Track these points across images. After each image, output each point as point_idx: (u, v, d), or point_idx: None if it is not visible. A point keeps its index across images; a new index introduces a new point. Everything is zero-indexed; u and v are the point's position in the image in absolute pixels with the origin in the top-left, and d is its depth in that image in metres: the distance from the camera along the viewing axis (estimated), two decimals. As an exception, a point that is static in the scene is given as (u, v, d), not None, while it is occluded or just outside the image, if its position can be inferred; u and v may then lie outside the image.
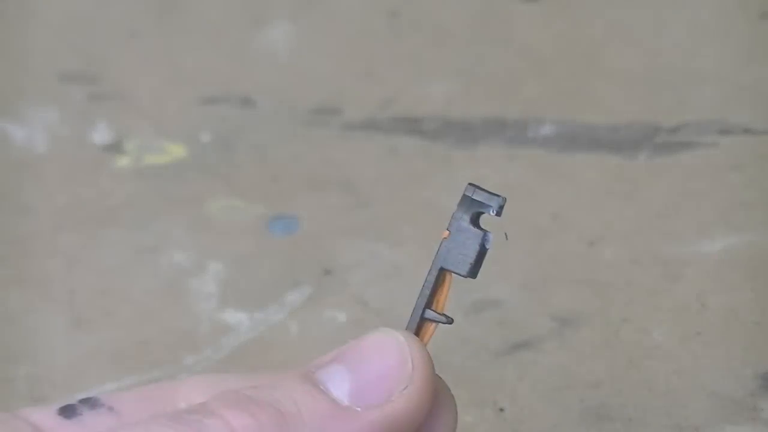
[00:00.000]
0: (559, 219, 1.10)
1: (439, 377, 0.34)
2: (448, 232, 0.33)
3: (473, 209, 0.34)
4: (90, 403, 0.32)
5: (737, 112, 1.16)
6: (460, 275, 0.34)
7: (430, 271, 0.39)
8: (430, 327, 0.43)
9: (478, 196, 0.34)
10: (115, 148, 1.16)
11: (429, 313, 0.41)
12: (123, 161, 1.15)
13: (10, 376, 1.01)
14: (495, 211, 0.34)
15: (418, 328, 0.43)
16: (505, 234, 0.35)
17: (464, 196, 0.34)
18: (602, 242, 1.09)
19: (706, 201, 1.12)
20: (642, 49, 1.23)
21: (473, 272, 0.34)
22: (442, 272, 0.36)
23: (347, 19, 1.26)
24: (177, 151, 1.16)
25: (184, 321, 1.06)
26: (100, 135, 1.17)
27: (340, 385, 0.34)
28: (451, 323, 0.42)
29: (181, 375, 1.02)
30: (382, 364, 0.33)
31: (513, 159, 1.15)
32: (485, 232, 0.34)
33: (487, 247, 0.34)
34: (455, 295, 1.04)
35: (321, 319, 1.04)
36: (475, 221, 0.34)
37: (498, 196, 0.34)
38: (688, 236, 1.09)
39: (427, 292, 0.40)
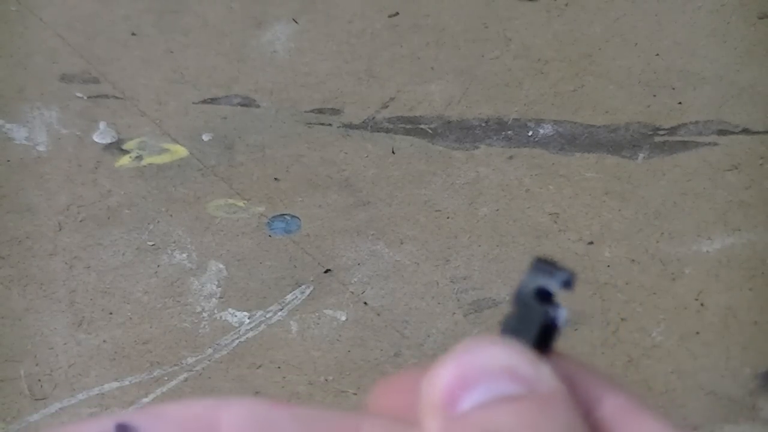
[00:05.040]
0: (558, 219, 1.10)
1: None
2: (511, 307, 0.31)
3: (536, 284, 0.31)
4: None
5: (736, 112, 1.17)
6: None
7: None
8: None
9: (543, 271, 0.32)
10: (115, 147, 1.16)
11: None
12: (124, 161, 1.15)
13: (11, 375, 1.01)
14: (559, 287, 0.32)
15: None
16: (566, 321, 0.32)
17: (528, 271, 0.31)
18: (601, 242, 1.09)
19: (705, 201, 1.12)
20: (641, 50, 1.23)
21: (534, 341, 0.32)
22: None
23: (347, 19, 1.27)
24: (178, 150, 1.16)
25: (185, 320, 1.06)
26: (101, 135, 1.17)
27: None
28: None
29: (182, 375, 1.02)
30: None
31: (513, 159, 1.15)
32: (546, 310, 0.31)
33: (555, 325, 0.31)
34: (455, 294, 1.05)
35: (321, 318, 1.05)
36: (540, 297, 0.31)
37: (564, 270, 0.32)
38: (687, 236, 1.09)
39: None
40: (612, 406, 0.31)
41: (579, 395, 0.31)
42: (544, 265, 0.32)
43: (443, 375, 0.30)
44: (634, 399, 0.31)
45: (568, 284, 0.32)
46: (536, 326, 0.32)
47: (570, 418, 0.30)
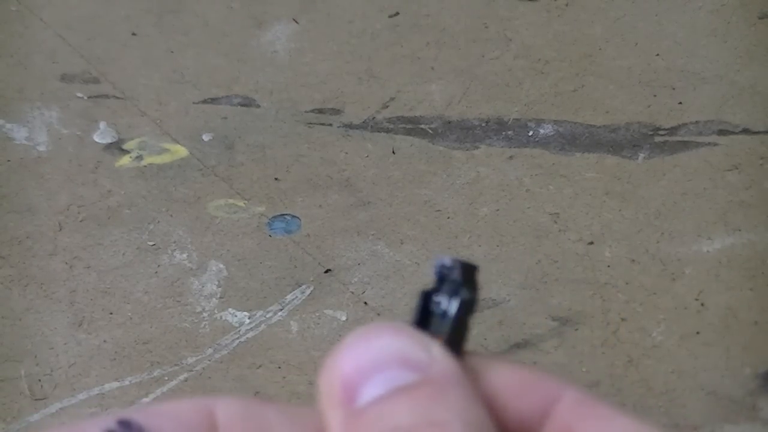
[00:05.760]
0: (558, 219, 1.10)
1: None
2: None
3: (440, 275, 0.32)
4: (132, 429, 0.31)
5: (736, 112, 1.17)
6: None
7: None
8: None
9: (447, 265, 0.32)
10: (116, 147, 1.16)
11: None
12: (124, 161, 1.15)
13: (11, 375, 1.01)
14: (435, 271, 0.33)
15: None
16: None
17: (436, 269, 0.32)
18: (602, 242, 1.09)
19: (705, 201, 1.12)
20: (642, 50, 1.23)
21: (414, 321, 0.32)
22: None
23: (347, 19, 1.27)
24: (178, 150, 1.16)
25: (185, 320, 1.06)
26: (101, 135, 1.17)
27: None
28: None
29: (182, 375, 1.02)
30: None
31: (513, 159, 1.15)
32: (434, 293, 0.32)
33: (445, 312, 0.32)
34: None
35: (321, 318, 1.05)
36: (447, 288, 0.32)
37: (464, 262, 0.32)
38: (687, 236, 1.09)
39: None
40: (569, 401, 0.32)
41: (536, 396, 0.32)
42: (449, 260, 0.33)
43: (339, 368, 0.31)
44: (588, 394, 0.32)
45: (445, 267, 0.32)
46: (419, 310, 0.32)
47: (464, 401, 0.30)
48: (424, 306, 0.32)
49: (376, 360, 0.31)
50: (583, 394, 0.32)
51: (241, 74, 1.22)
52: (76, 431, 0.31)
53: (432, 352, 0.31)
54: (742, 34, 1.23)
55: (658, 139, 1.15)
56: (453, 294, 0.33)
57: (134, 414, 0.31)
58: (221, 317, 1.03)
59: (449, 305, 0.32)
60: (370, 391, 0.30)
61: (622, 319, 1.02)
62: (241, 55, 1.24)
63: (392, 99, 1.19)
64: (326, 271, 1.06)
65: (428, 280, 1.03)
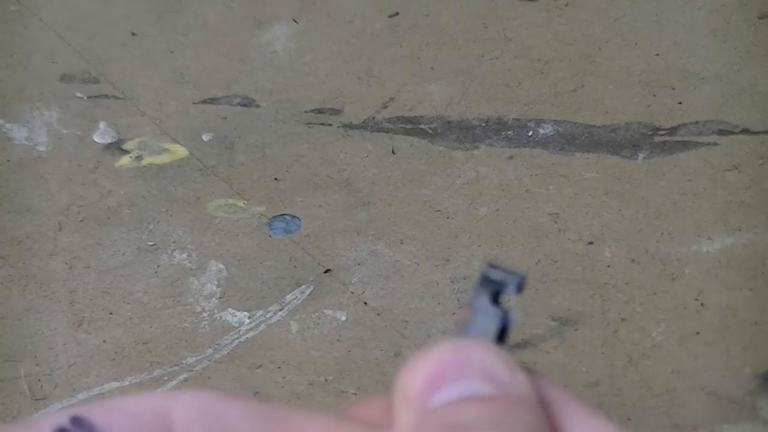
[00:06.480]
0: (558, 219, 1.10)
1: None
2: (466, 310, 0.32)
3: (491, 288, 0.32)
4: (84, 426, 0.31)
5: (736, 112, 1.17)
6: None
7: None
8: None
9: (496, 275, 0.33)
10: (115, 147, 1.16)
11: None
12: (124, 161, 1.15)
13: (11, 375, 1.01)
14: (514, 290, 0.34)
15: None
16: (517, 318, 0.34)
17: (482, 275, 0.32)
18: (601, 242, 1.09)
19: (705, 201, 1.12)
20: (641, 50, 1.23)
21: (495, 339, 0.33)
22: None
23: (347, 19, 1.27)
24: (178, 150, 1.16)
25: (185, 320, 1.06)
26: (101, 135, 1.17)
27: None
28: None
29: (182, 375, 1.02)
30: None
31: (513, 159, 1.15)
32: (505, 311, 0.33)
33: (509, 326, 0.33)
34: (455, 294, 1.05)
35: (321, 318, 1.05)
36: (494, 300, 0.33)
37: (516, 274, 0.33)
38: (687, 236, 1.09)
39: None
40: (548, 400, 0.32)
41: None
42: (495, 269, 0.33)
43: (420, 370, 0.31)
44: (568, 393, 0.33)
45: (521, 288, 0.33)
46: (495, 328, 0.33)
47: (535, 421, 0.31)
48: (504, 324, 0.34)
49: (460, 368, 0.31)
50: (563, 394, 0.32)
51: (241, 74, 1.22)
52: (29, 429, 0.31)
53: (516, 375, 0.32)
54: (741, 34, 1.23)
55: (657, 139, 1.15)
56: (506, 308, 0.34)
57: (88, 411, 0.31)
58: (221, 317, 1.03)
59: (512, 318, 0.34)
60: (445, 395, 0.31)
61: (622, 319, 1.02)
62: (240, 55, 1.24)
63: (392, 99, 1.19)
64: (326, 271, 1.06)
65: (428, 280, 1.02)
